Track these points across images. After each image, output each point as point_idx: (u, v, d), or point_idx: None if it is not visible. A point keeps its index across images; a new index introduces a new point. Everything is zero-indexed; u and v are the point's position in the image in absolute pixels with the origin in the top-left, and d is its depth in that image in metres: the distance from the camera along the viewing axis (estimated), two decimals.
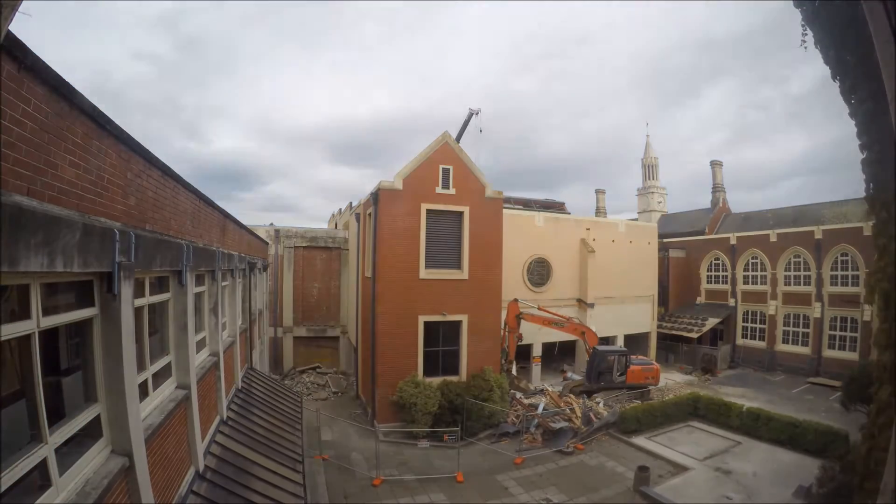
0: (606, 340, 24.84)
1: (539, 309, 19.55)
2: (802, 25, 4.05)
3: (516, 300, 19.36)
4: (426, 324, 16.21)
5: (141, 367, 3.88)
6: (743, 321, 29.44)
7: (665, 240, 33.61)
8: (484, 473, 12.78)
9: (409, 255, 15.94)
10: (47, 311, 2.50)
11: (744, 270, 29.78)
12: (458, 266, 16.77)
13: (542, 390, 19.61)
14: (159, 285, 4.53)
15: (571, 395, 18.45)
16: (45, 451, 2.43)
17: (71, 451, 2.77)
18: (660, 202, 52.53)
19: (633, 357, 21.19)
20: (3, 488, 2.07)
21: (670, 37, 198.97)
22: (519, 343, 19.81)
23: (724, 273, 31.02)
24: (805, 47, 3.96)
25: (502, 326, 18.80)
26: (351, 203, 29.59)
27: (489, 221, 17.28)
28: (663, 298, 31.26)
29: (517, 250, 22.12)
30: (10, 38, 1.94)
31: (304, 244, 24.21)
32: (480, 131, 30.60)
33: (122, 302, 3.10)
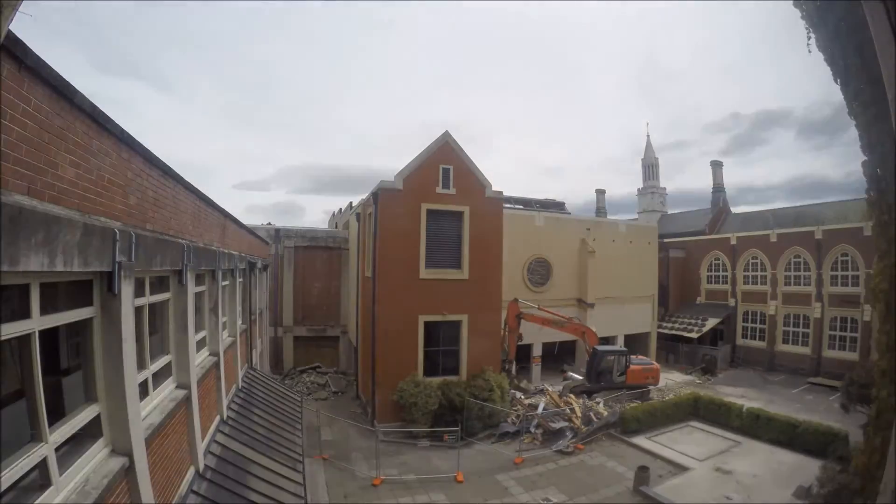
0: (606, 340, 24.84)
1: (539, 309, 19.55)
2: (806, 28, 4.05)
3: (516, 300, 19.35)
4: (426, 324, 16.21)
5: (141, 366, 3.87)
6: (743, 321, 29.43)
7: (665, 240, 33.60)
8: (484, 473, 12.78)
9: (409, 255, 15.94)
10: (47, 311, 2.49)
11: (744, 270, 29.76)
12: (459, 266, 16.76)
13: (542, 390, 19.61)
14: (159, 285, 4.53)
15: (571, 395, 18.44)
16: (45, 450, 2.43)
17: (71, 450, 2.77)
18: (660, 202, 52.53)
19: (633, 357, 21.19)
20: (3, 487, 2.07)
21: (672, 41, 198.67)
22: (519, 343, 19.80)
23: (724, 273, 31.00)
24: (810, 50, 3.96)
25: (502, 326, 18.80)
26: (351, 203, 29.60)
27: (489, 221, 17.27)
28: (663, 298, 31.23)
29: (517, 250, 22.11)
30: (11, 37, 1.94)
31: (305, 244, 24.21)
32: None
33: (122, 301, 3.10)
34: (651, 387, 20.61)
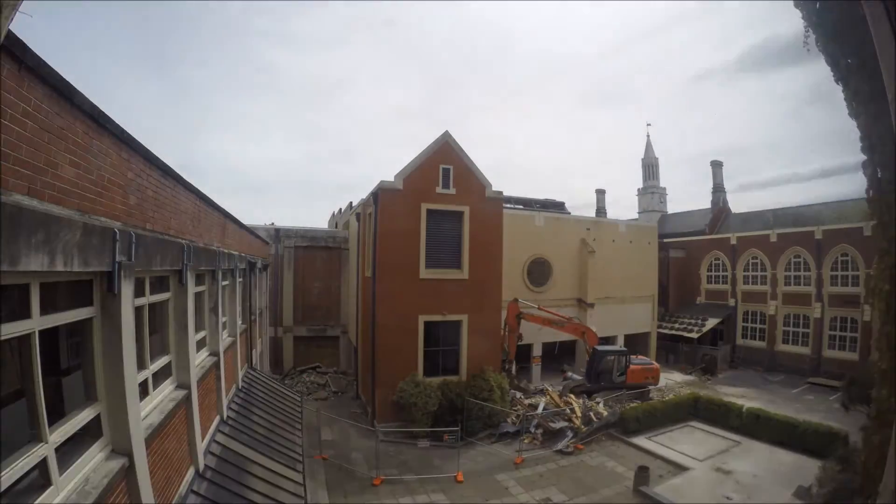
0: (606, 340, 24.86)
1: (539, 309, 19.56)
2: (805, 28, 4.05)
3: (516, 300, 19.34)
4: (426, 324, 16.21)
5: (141, 366, 3.87)
6: (743, 321, 29.43)
7: (665, 240, 33.60)
8: (484, 473, 12.78)
9: (409, 255, 15.94)
10: (47, 311, 2.50)
11: (744, 270, 29.76)
12: (459, 266, 16.76)
13: (542, 390, 19.61)
14: (159, 285, 4.53)
15: (572, 395, 18.44)
16: (45, 450, 2.43)
17: (71, 450, 2.77)
18: (660, 202, 52.54)
19: (632, 357, 21.20)
20: (3, 487, 2.07)
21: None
22: (519, 343, 19.80)
23: (724, 273, 31.00)
24: (808, 49, 3.96)
25: (502, 326, 18.80)
26: (351, 203, 29.59)
27: (489, 221, 17.27)
28: (663, 298, 31.23)
29: (517, 250, 22.10)
30: (11, 37, 1.94)
31: (305, 244, 24.20)
32: None
33: (122, 301, 3.10)
34: (651, 387, 20.61)
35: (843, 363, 22.87)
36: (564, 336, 22.04)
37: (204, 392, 5.74)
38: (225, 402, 7.01)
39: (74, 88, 2.54)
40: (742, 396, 20.36)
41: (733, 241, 30.53)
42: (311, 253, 24.36)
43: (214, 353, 6.61)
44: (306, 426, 10.31)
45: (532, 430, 15.57)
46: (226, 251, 7.37)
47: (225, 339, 7.68)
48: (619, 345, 24.70)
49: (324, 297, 24.43)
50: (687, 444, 14.92)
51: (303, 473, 7.22)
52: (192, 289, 5.15)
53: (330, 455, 13.44)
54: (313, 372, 22.65)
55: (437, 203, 16.37)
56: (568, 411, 16.47)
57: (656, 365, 21.80)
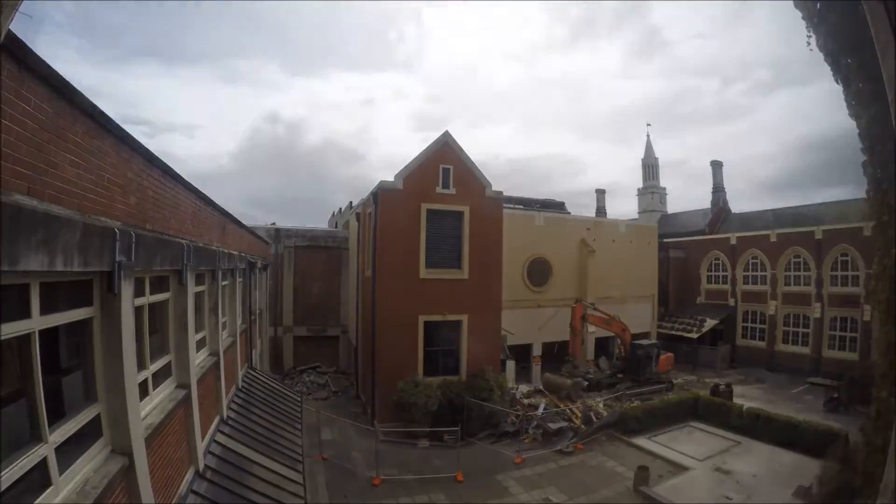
0: (606, 340, 24.99)
1: (595, 309, 20.84)
2: (806, 28, 4.05)
3: (579, 301, 19.93)
4: (426, 324, 16.22)
5: (141, 366, 3.87)
6: (743, 321, 29.43)
7: (665, 240, 33.61)
8: (484, 473, 12.78)
9: (409, 255, 15.94)
10: (47, 311, 2.49)
11: (744, 270, 29.76)
12: (459, 266, 16.76)
13: (540, 390, 19.62)
14: (159, 284, 4.53)
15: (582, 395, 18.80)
16: (45, 450, 2.43)
17: (71, 450, 2.77)
18: (660, 202, 52.55)
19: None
20: (4, 487, 2.07)
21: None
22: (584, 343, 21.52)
23: (724, 273, 31.00)
24: (811, 49, 3.96)
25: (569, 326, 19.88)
26: (351, 202, 29.61)
27: (489, 221, 17.28)
28: (663, 298, 31.25)
29: (517, 250, 22.12)
30: (11, 37, 1.94)
31: (305, 244, 24.22)
32: None
33: (122, 301, 3.10)
34: (672, 380, 21.76)
35: (843, 363, 22.86)
36: (565, 336, 22.15)
37: (204, 392, 5.74)
38: (225, 402, 7.01)
39: (74, 88, 2.54)
40: (742, 396, 20.34)
41: (733, 241, 30.53)
42: (311, 253, 24.37)
43: (214, 353, 6.61)
44: (306, 426, 10.30)
45: (531, 430, 15.58)
46: (226, 251, 7.37)
47: (225, 338, 7.68)
48: (618, 344, 24.90)
49: (324, 297, 24.43)
50: (687, 444, 14.92)
51: (303, 473, 7.22)
52: (192, 289, 5.15)
53: (330, 455, 13.44)
54: (313, 372, 22.65)
55: (437, 203, 16.38)
56: (568, 411, 16.48)
57: (670, 353, 23.30)
